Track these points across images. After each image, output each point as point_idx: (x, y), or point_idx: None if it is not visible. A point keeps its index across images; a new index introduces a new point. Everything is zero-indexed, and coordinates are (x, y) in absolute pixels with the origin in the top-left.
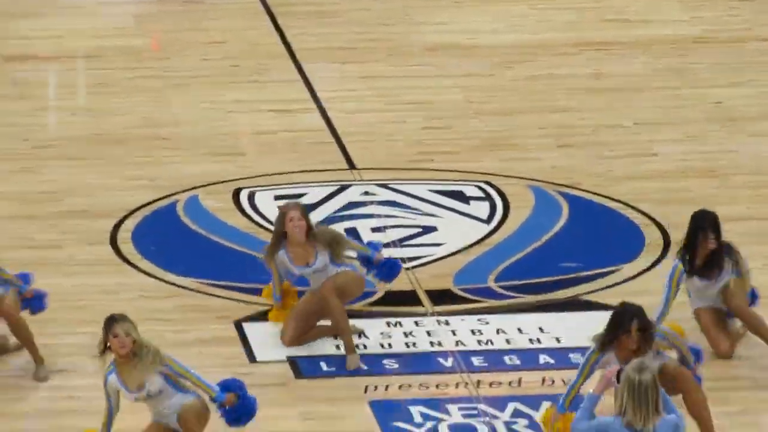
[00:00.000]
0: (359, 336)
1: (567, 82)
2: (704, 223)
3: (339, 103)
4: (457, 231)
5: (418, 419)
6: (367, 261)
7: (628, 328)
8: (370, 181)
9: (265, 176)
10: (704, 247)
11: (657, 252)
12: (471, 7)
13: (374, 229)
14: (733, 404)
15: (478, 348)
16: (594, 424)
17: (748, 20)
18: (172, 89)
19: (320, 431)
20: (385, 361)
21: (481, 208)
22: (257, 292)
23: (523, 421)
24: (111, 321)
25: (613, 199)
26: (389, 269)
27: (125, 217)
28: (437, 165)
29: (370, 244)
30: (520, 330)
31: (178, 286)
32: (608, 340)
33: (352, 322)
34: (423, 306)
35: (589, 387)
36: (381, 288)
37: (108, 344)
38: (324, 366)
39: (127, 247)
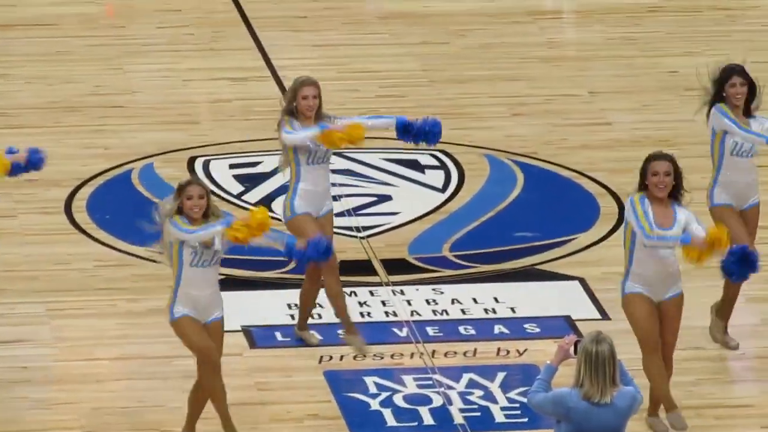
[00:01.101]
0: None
1: (521, 51)
2: (730, 72)
3: (293, 72)
4: (412, 200)
5: (372, 390)
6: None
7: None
8: None
9: (220, 145)
10: (733, 98)
11: (612, 221)
12: None
13: None
14: None
15: (433, 318)
16: (550, 396)
17: None
18: (127, 57)
19: (275, 401)
20: (339, 331)
21: (436, 177)
22: None
23: (478, 392)
24: (186, 183)
25: (567, 168)
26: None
27: (80, 186)
28: (392, 134)
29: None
30: (475, 300)
31: (134, 255)
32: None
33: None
34: (378, 275)
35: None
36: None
37: (180, 207)
38: (279, 336)
39: (82, 216)
